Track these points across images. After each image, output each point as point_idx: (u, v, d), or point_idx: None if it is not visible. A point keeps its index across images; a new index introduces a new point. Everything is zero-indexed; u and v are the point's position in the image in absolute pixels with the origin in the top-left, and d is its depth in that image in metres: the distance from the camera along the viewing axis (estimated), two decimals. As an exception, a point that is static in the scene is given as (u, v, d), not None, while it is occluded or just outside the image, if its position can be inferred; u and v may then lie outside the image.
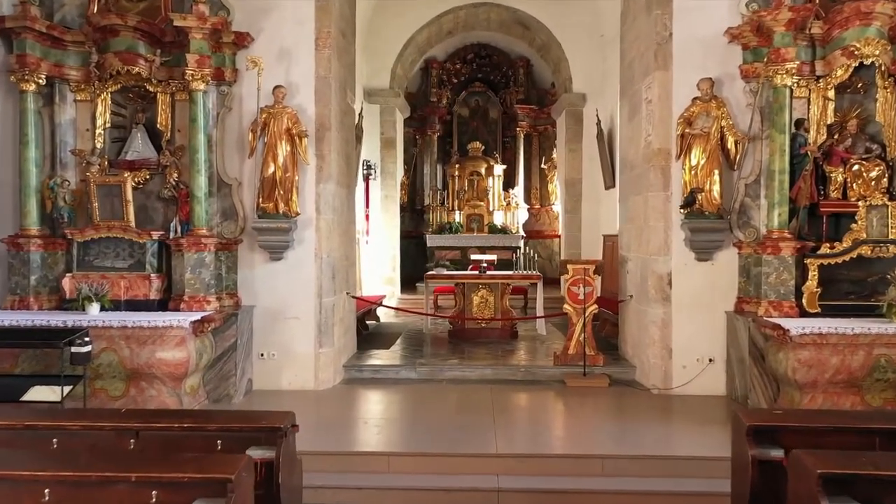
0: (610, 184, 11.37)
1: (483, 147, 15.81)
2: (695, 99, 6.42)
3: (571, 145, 12.46)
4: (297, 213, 6.65)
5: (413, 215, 16.47)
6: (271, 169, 6.51)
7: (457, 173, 15.58)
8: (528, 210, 16.15)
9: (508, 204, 15.50)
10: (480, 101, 16.55)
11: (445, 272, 9.63)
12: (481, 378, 7.24)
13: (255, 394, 6.64)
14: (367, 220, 12.43)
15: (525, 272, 9.47)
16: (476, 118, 16.58)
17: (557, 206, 15.64)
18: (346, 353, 7.59)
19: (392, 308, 10.48)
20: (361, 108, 11.32)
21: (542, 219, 16.35)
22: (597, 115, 11.58)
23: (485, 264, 9.75)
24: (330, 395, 6.71)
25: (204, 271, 6.29)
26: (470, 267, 11.84)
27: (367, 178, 12.38)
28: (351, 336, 7.93)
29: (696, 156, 6.37)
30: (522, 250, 9.36)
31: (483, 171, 15.55)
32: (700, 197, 6.33)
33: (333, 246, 7.07)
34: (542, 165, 16.04)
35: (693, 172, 6.39)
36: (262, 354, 6.79)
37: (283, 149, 6.52)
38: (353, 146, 8.53)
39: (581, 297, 7.39)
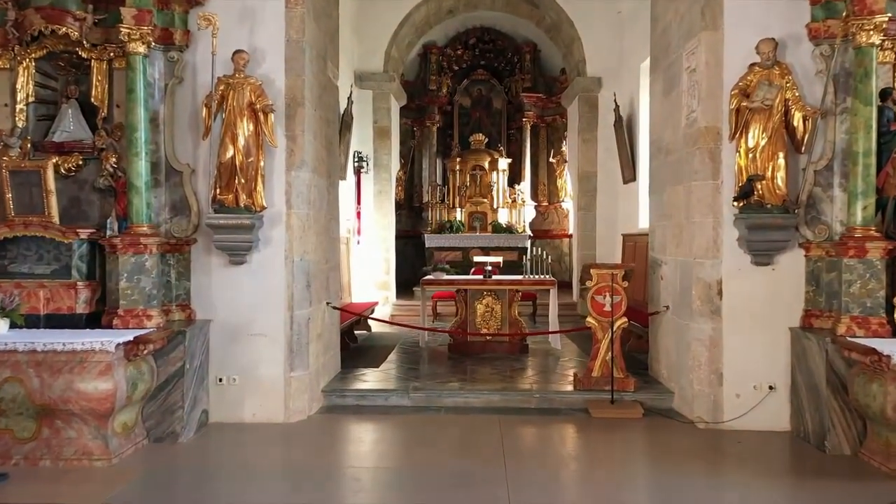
0: (629, 176, 10.16)
1: (486, 139, 14.60)
2: (752, 65, 5.19)
3: (585, 135, 11.23)
4: (263, 207, 5.43)
5: (411, 213, 15.28)
6: (230, 152, 5.29)
7: (458, 168, 14.37)
8: (536, 208, 14.94)
9: (514, 201, 14.28)
10: (483, 90, 15.35)
11: (445, 277, 8.41)
12: (487, 405, 6.01)
13: (212, 428, 5.41)
14: (359, 217, 11.20)
15: (537, 277, 8.24)
16: (479, 108, 15.38)
17: (567, 203, 14.44)
18: (326, 374, 6.37)
19: (384, 322, 9.23)
20: (351, 93, 10.11)
21: (551, 217, 15.13)
22: (614, 101, 10.36)
23: (489, 267, 8.54)
24: (303, 429, 5.48)
25: (144, 278, 5.06)
26: (472, 270, 10.63)
27: (358, 172, 11.15)
28: (333, 354, 6.70)
29: (755, 135, 5.13)
30: (531, 251, 8.15)
31: (486, 165, 14.34)
32: (760, 186, 5.10)
33: (309, 247, 5.84)
34: (551, 159, 14.82)
35: (750, 156, 5.15)
36: (220, 379, 5.57)
37: (244, 127, 5.30)
38: (337, 130, 7.31)
39: (608, 308, 6.16)
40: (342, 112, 9.73)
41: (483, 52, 15.22)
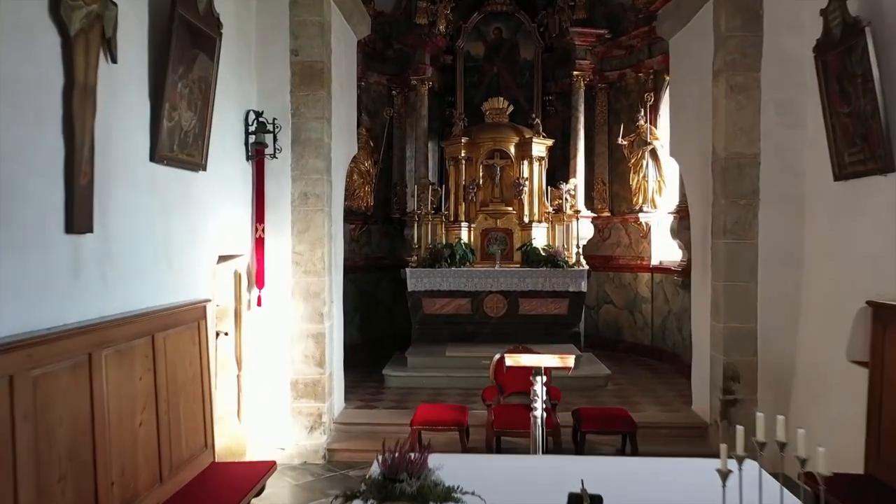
0: (866, 163, 4.32)
1: (510, 107, 8.77)
2: None
3: (733, 78, 5.33)
4: None
5: (386, 230, 9.53)
6: None
7: (463, 154, 8.54)
8: (592, 221, 9.12)
9: (559, 210, 8.43)
10: (504, 30, 9.63)
11: None
12: None
13: None
14: (260, 249, 5.37)
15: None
16: (497, 59, 9.64)
17: (650, 215, 8.61)
18: None
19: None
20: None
21: (615, 236, 9.32)
22: (824, -9, 4.51)
23: (541, 394, 3.76)
24: None
25: None
26: (495, 364, 4.78)
27: (258, 155, 5.32)
28: None
29: None
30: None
31: (511, 149, 8.52)
32: None
33: None
34: (620, 140, 8.89)
35: None
36: None
37: None
38: None
39: None
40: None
41: (504, -34, 9.49)
